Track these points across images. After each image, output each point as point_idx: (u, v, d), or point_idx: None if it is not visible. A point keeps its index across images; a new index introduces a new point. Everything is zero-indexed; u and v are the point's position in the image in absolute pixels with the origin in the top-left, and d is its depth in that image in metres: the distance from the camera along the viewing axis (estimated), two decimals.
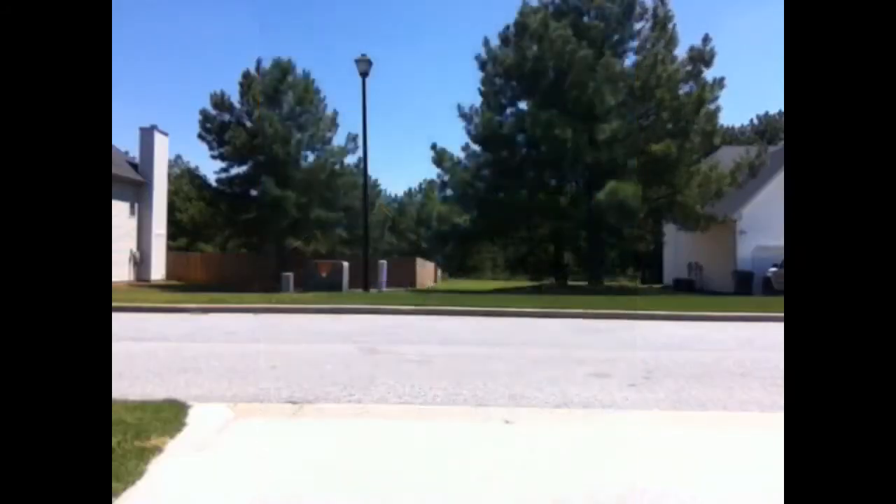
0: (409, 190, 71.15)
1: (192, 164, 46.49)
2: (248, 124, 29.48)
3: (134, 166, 27.33)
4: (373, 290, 19.27)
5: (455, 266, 60.47)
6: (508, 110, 24.61)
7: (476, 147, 24.87)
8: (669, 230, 27.30)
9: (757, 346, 7.56)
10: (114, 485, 2.32)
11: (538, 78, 22.43)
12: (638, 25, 23.19)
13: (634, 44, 23.32)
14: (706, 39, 21.75)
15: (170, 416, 3.38)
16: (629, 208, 20.19)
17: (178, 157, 50.34)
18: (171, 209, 32.82)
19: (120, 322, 8.75)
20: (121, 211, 25.09)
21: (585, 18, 22.88)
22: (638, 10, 22.78)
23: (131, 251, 26.35)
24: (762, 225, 21.54)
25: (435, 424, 3.62)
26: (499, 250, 52.76)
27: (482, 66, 24.38)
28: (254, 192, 29.91)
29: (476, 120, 24.05)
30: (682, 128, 20.82)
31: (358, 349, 6.82)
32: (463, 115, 24.27)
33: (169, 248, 30.65)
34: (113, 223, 21.41)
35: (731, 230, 23.07)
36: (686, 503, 2.34)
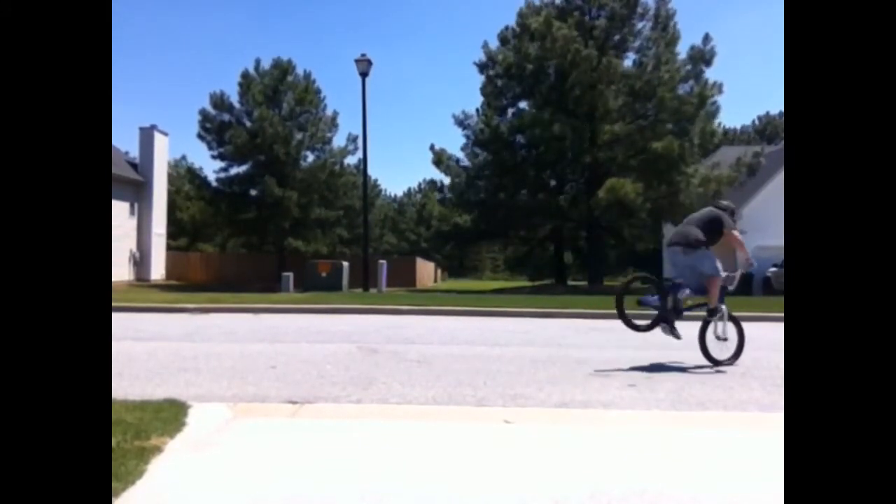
0: (409, 190, 71.32)
1: (193, 164, 46.45)
2: (248, 124, 29.51)
3: (134, 166, 27.33)
4: (373, 290, 19.26)
5: (455, 266, 60.48)
6: (509, 111, 24.64)
7: (476, 147, 24.92)
8: (669, 230, 27.29)
9: (757, 346, 7.55)
10: (114, 485, 2.31)
11: (539, 78, 22.45)
12: (640, 25, 23.22)
13: (636, 43, 23.35)
14: (706, 39, 21.77)
15: (169, 415, 3.38)
16: (629, 205, 20.20)
17: (179, 156, 50.31)
18: (171, 209, 32.83)
19: (120, 322, 8.75)
20: (121, 211, 25.09)
21: (587, 18, 22.90)
22: (640, 9, 22.81)
23: (131, 251, 26.36)
24: (762, 225, 21.53)
25: (435, 424, 3.62)
26: (499, 250, 52.73)
27: (483, 67, 24.40)
28: (254, 192, 29.96)
29: (473, 127, 24.11)
30: (682, 127, 20.84)
31: (358, 349, 6.82)
32: (460, 123, 24.33)
33: (169, 248, 30.65)
34: (113, 223, 21.41)
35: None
36: (686, 503, 2.34)
